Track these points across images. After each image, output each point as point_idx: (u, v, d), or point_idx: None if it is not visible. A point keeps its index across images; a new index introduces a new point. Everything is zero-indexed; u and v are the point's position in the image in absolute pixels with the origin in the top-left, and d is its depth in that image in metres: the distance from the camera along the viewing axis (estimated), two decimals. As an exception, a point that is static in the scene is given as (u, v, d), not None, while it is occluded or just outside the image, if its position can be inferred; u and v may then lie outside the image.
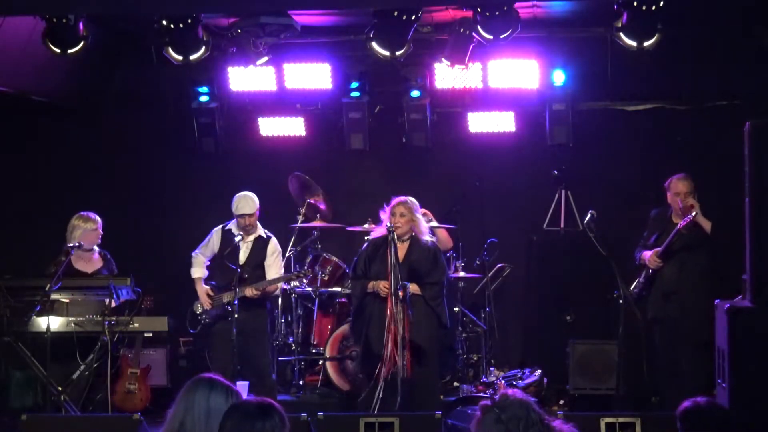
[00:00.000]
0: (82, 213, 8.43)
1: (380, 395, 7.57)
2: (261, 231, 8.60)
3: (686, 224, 8.09)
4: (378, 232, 8.14)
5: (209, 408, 3.84)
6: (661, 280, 8.31)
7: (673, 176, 8.31)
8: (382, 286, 7.84)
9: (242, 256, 8.50)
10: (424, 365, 7.91)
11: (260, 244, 8.55)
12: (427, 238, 8.14)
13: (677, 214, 8.26)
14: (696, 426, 4.45)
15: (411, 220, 8.01)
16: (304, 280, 9.17)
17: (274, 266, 8.57)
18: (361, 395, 8.00)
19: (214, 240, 8.62)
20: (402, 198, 8.08)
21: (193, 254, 8.66)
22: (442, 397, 8.49)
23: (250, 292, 8.35)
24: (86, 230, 8.34)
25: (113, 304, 8.15)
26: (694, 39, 9.17)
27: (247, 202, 8.46)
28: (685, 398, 4.75)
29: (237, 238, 8.42)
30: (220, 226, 8.65)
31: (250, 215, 8.45)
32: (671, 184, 8.29)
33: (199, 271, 8.64)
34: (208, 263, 8.67)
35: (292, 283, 9.15)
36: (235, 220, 8.56)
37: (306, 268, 9.04)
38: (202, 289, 8.58)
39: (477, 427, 3.70)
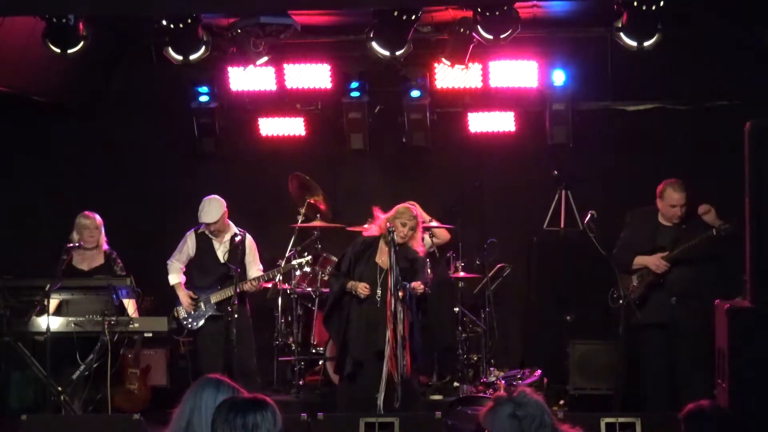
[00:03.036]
0: (85, 212, 8.48)
1: (383, 395, 7.53)
2: (234, 229, 8.61)
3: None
4: (372, 231, 8.02)
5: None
6: (671, 282, 8.10)
7: (665, 182, 8.07)
8: (361, 288, 7.77)
9: (222, 257, 8.53)
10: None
11: (236, 243, 8.54)
12: (417, 248, 7.99)
13: (667, 219, 8.12)
14: (699, 428, 4.46)
15: (413, 237, 7.91)
16: (306, 268, 9.17)
17: (254, 262, 8.68)
18: (340, 401, 7.98)
19: (189, 245, 8.65)
20: (413, 209, 7.91)
21: (168, 262, 8.69)
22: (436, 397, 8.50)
23: (249, 286, 8.42)
24: (85, 229, 8.38)
25: (133, 307, 8.20)
26: (694, 39, 9.18)
27: (210, 210, 8.46)
28: (693, 401, 4.74)
29: (236, 239, 8.43)
30: (193, 229, 8.65)
31: (214, 223, 8.45)
32: (665, 193, 8.04)
33: (176, 277, 8.67)
34: (184, 269, 8.70)
35: (295, 272, 9.22)
36: None
37: (305, 255, 9.09)
38: (184, 292, 8.59)
39: (489, 416, 3.66)
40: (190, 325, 8.58)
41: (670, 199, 8.05)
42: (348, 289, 7.88)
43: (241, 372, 8.42)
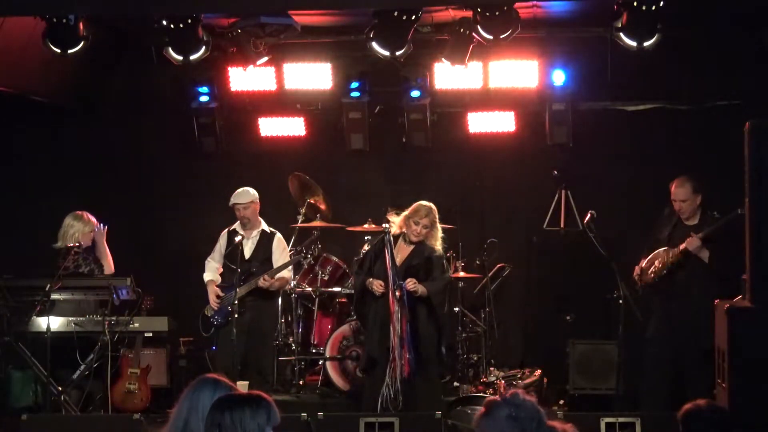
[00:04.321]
0: (77, 212, 8.51)
1: (387, 395, 7.53)
2: (264, 226, 8.67)
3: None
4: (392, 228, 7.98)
5: None
6: (680, 280, 8.15)
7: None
8: (376, 286, 7.80)
9: (248, 252, 8.55)
10: (424, 368, 7.86)
11: (265, 239, 8.65)
12: (437, 246, 7.97)
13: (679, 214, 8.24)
14: (697, 428, 4.46)
15: (430, 234, 7.90)
16: (310, 260, 9.22)
17: (280, 261, 8.70)
18: (364, 396, 7.99)
19: (221, 242, 8.77)
20: (428, 206, 7.90)
21: (206, 261, 8.80)
22: (443, 397, 8.47)
23: (263, 281, 8.42)
24: (83, 230, 8.40)
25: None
26: (694, 39, 9.17)
27: (241, 193, 8.61)
28: (687, 400, 4.75)
29: (237, 238, 8.46)
30: (227, 228, 8.73)
31: (244, 206, 8.53)
32: (671, 187, 8.21)
33: (209, 275, 8.75)
34: (221, 268, 8.76)
35: (294, 282, 9.20)
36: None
37: (309, 245, 9.08)
38: (212, 289, 8.65)
39: (484, 420, 3.63)
40: (216, 323, 8.64)
41: (672, 193, 8.17)
42: (367, 286, 7.91)
43: (256, 369, 8.47)
